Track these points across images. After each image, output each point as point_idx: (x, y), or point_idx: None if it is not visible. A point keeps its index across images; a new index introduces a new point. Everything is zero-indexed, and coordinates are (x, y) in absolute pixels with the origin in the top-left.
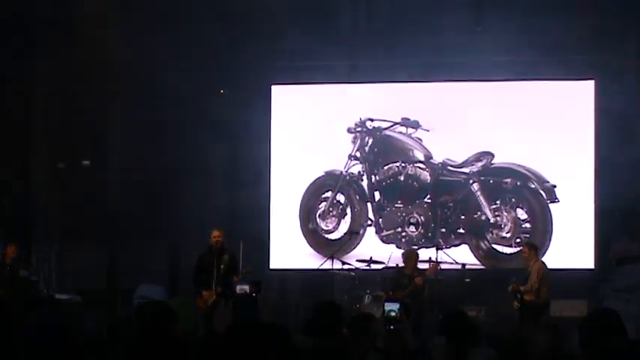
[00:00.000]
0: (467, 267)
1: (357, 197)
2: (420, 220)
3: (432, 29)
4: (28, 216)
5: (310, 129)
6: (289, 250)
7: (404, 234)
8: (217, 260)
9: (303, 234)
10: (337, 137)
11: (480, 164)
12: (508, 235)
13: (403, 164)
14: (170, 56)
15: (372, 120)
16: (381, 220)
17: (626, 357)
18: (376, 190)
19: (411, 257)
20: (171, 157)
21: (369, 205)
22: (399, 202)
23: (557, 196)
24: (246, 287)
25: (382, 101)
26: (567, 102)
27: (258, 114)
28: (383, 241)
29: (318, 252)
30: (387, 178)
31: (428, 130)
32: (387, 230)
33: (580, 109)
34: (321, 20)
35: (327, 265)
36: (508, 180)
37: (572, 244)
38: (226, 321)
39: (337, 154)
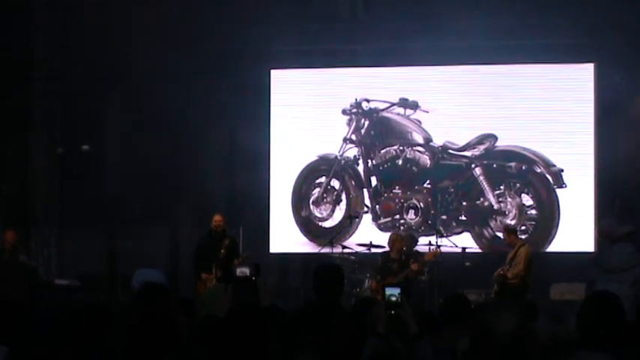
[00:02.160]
0: (467, 250)
1: (353, 183)
2: (419, 206)
3: (431, 13)
4: (27, 201)
5: (309, 113)
6: (289, 234)
7: (402, 221)
8: (218, 245)
9: (296, 222)
10: (336, 121)
11: (482, 147)
12: (513, 222)
13: (401, 147)
14: (169, 40)
15: (368, 101)
16: (378, 206)
17: (623, 340)
18: (373, 175)
19: (396, 241)
20: (170, 142)
21: (365, 190)
22: (397, 187)
23: (565, 180)
24: (246, 270)
25: (381, 85)
26: (567, 85)
27: (258, 99)
28: (380, 229)
29: (312, 240)
30: (384, 163)
31: (427, 112)
32: (384, 217)
33: (580, 92)
34: (320, 4)
35: (327, 249)
36: (512, 164)
37: (573, 227)
38: (227, 305)
39: (334, 138)
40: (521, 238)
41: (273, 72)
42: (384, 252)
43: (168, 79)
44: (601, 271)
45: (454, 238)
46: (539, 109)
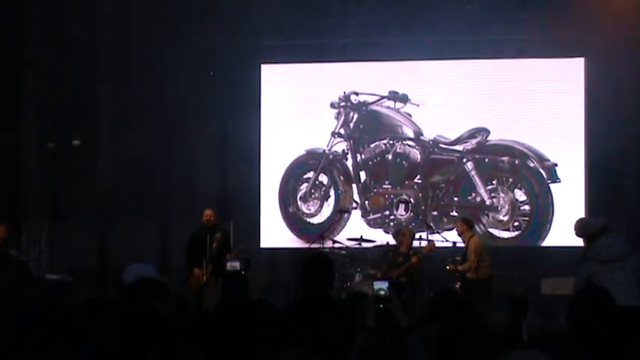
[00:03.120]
0: (457, 245)
1: (342, 178)
2: (409, 202)
3: (421, 7)
4: (18, 196)
5: (300, 108)
6: (280, 229)
7: (392, 217)
8: (210, 239)
9: (283, 218)
10: (325, 115)
11: (474, 141)
12: (505, 218)
13: (391, 142)
14: (160, 35)
15: (357, 94)
16: (367, 202)
17: (613, 335)
18: (362, 170)
19: (406, 235)
20: (161, 136)
21: (354, 186)
22: (387, 182)
23: (559, 175)
24: (237, 264)
25: (372, 79)
26: (558, 79)
27: (248, 93)
28: (369, 225)
29: (300, 237)
30: (373, 157)
31: (418, 105)
32: (374, 213)
33: (570, 86)
34: None
35: (318, 244)
36: (505, 158)
37: (564, 221)
38: (216, 299)
39: (323, 132)
40: (474, 233)
41: (263, 66)
42: (393, 245)
43: (158, 73)
44: (600, 263)
45: (445, 234)
46: (530, 103)
